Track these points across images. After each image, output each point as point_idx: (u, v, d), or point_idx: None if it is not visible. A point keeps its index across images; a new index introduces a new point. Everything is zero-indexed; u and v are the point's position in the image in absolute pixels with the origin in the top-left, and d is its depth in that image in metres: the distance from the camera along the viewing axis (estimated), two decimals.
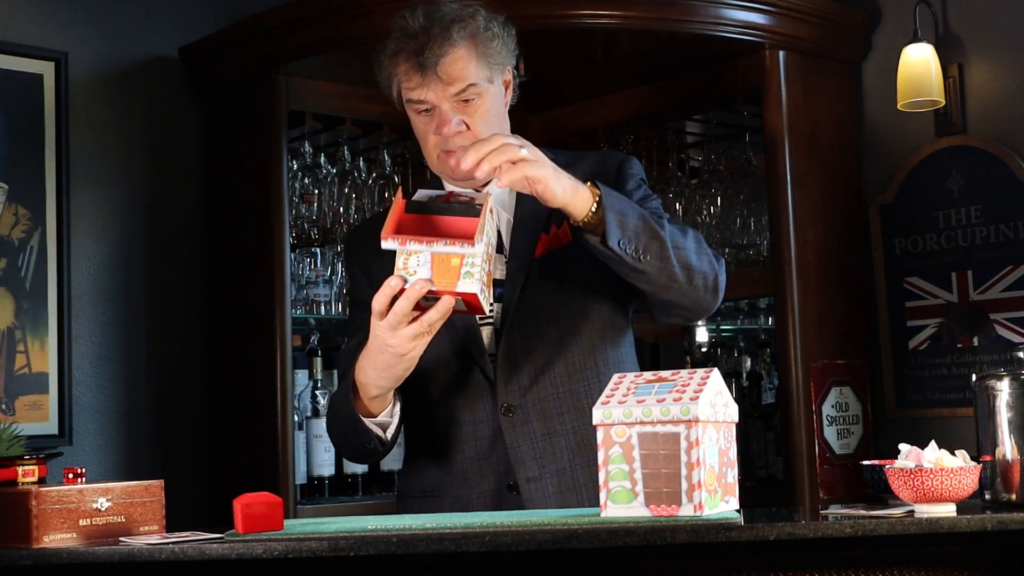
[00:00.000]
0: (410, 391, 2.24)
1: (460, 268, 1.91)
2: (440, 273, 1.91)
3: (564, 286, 2.20)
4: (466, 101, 2.13)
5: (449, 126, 2.13)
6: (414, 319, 1.96)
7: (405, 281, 1.92)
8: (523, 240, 2.20)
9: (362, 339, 2.27)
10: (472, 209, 1.96)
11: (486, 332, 2.20)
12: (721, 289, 2.17)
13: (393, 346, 2.00)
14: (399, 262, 1.93)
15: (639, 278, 2.09)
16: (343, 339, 3.10)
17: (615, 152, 2.35)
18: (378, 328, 1.99)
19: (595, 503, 2.12)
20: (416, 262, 1.92)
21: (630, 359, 2.30)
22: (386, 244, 1.92)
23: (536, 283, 2.19)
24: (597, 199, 2.02)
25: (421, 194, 2.02)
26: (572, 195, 2.01)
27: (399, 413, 2.19)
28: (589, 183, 2.04)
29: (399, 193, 2.00)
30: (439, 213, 1.97)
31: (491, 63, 2.15)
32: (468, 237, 1.91)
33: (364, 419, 2.16)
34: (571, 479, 2.17)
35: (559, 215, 2.15)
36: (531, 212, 2.21)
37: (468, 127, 2.14)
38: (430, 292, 1.92)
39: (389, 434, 2.19)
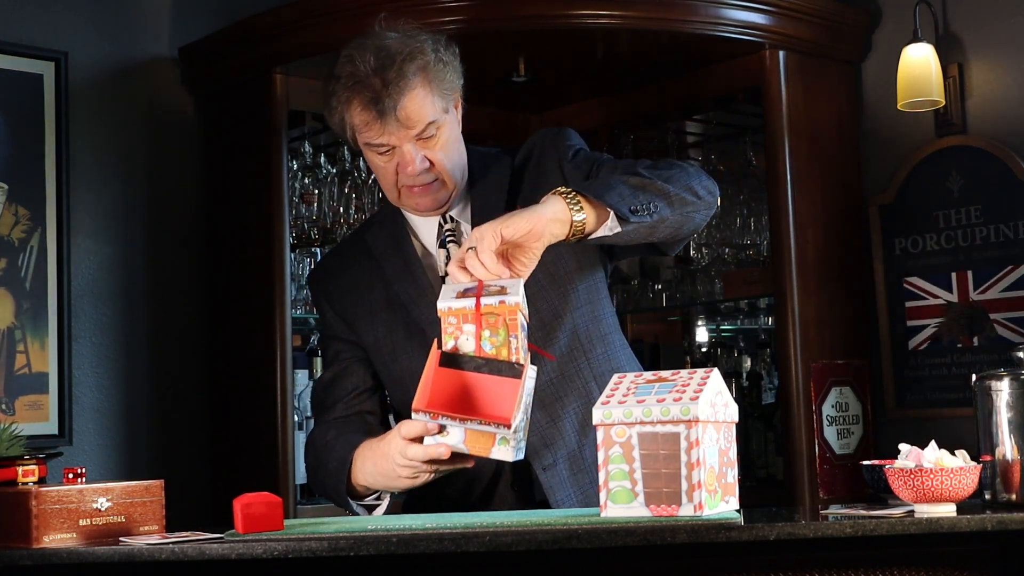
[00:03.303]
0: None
1: (495, 436, 1.86)
2: (474, 440, 1.88)
3: (536, 274, 2.15)
4: (427, 137, 2.12)
5: (413, 166, 2.12)
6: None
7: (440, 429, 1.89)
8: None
9: (337, 373, 2.28)
10: (511, 368, 1.88)
11: None
12: (713, 181, 2.16)
13: (399, 468, 2.00)
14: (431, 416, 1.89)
15: (662, 230, 2.08)
16: None
17: (547, 129, 2.33)
18: (394, 447, 1.99)
19: None
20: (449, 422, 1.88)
21: (614, 329, 2.29)
22: (417, 416, 1.88)
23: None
24: (579, 199, 1.97)
25: (449, 289, 1.93)
26: (547, 213, 1.95)
27: (388, 496, 2.19)
28: (551, 194, 1.99)
29: (435, 346, 1.91)
30: (476, 369, 1.89)
31: (445, 94, 2.14)
32: (504, 415, 1.84)
33: (352, 501, 2.17)
34: (580, 460, 2.18)
35: (514, 205, 2.15)
36: (489, 205, 2.19)
37: (431, 162, 2.14)
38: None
39: (378, 513, 2.20)
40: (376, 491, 2.16)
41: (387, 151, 2.13)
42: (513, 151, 2.31)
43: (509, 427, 1.82)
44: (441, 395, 1.88)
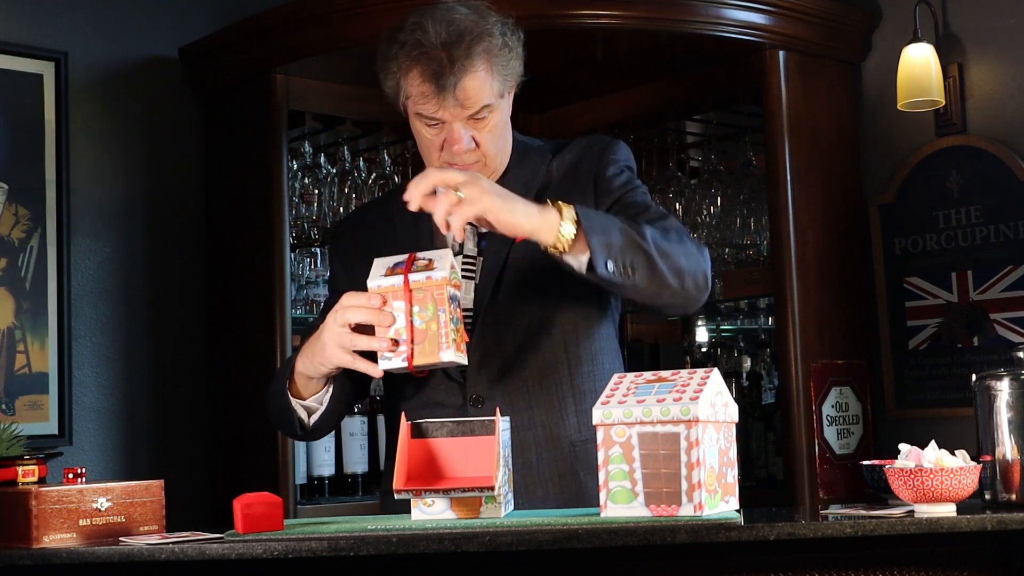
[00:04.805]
0: (388, 389, 2.26)
1: (482, 497, 1.87)
2: (460, 504, 1.88)
3: (538, 280, 2.16)
4: (479, 119, 2.10)
5: (460, 145, 2.10)
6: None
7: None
8: (498, 234, 2.15)
9: None
10: (483, 426, 1.89)
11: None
12: (709, 281, 2.12)
13: (329, 333, 2.00)
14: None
15: (629, 292, 2.05)
16: None
17: (600, 137, 2.31)
18: (332, 319, 1.99)
19: (558, 498, 2.11)
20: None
21: (607, 351, 2.25)
22: (400, 496, 1.87)
23: (511, 277, 2.16)
24: (575, 223, 1.95)
25: (379, 266, 1.97)
26: (537, 221, 1.94)
27: (328, 402, 2.15)
28: (559, 203, 1.97)
29: (403, 419, 1.92)
30: (449, 434, 1.90)
31: (505, 79, 2.11)
32: (486, 477, 1.84)
33: (292, 399, 2.15)
34: (536, 473, 2.14)
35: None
36: None
37: (477, 144, 2.12)
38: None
39: (312, 420, 2.17)
40: (319, 390, 2.14)
41: (436, 125, 2.11)
42: (558, 147, 2.27)
43: (492, 489, 1.82)
44: (418, 469, 1.88)
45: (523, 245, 2.11)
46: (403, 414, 1.94)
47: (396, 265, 1.94)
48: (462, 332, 1.96)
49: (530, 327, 2.17)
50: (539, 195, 2.17)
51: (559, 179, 2.21)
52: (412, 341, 1.91)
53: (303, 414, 2.16)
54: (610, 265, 1.96)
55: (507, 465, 1.94)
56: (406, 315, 1.91)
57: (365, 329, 1.97)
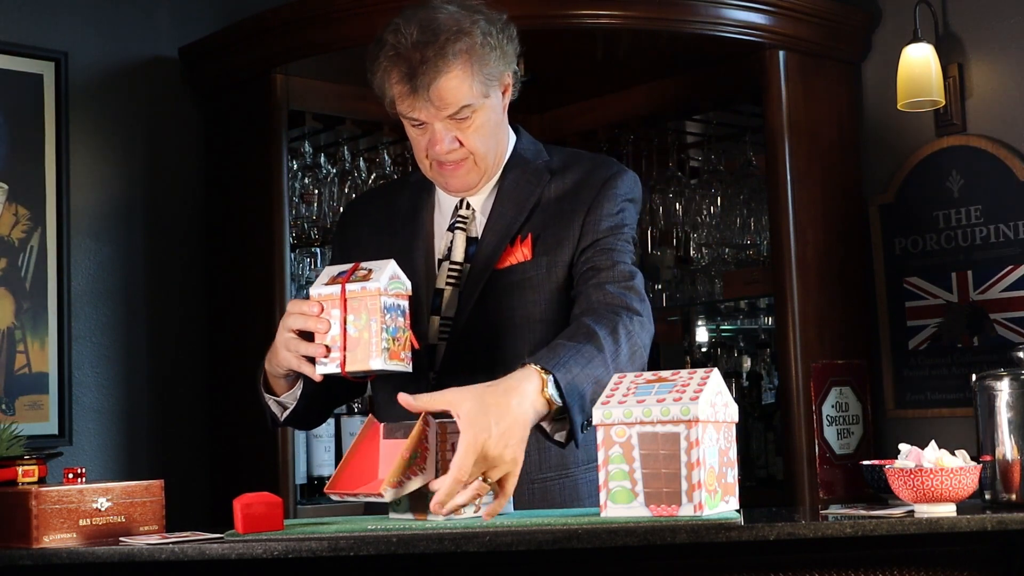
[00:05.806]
0: (374, 389, 2.28)
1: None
2: (419, 509, 1.90)
3: (518, 299, 2.13)
4: (461, 119, 2.08)
5: (442, 145, 2.09)
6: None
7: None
8: (488, 249, 2.15)
9: None
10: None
11: (440, 346, 2.15)
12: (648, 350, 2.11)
13: (278, 337, 2.03)
14: None
15: None
16: None
17: (610, 163, 2.24)
18: (282, 325, 2.02)
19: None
20: None
21: None
22: (334, 496, 1.92)
23: (493, 294, 2.13)
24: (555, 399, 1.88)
25: (325, 274, 2.00)
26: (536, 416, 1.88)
27: (302, 398, 2.16)
28: (539, 380, 1.87)
29: (370, 418, 1.97)
30: (402, 437, 1.92)
31: (487, 79, 2.07)
32: (378, 484, 1.86)
33: (265, 394, 2.18)
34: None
35: (525, 230, 2.14)
36: (504, 223, 2.16)
37: (461, 143, 2.10)
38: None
39: (284, 415, 2.19)
40: (290, 387, 2.15)
41: (420, 125, 2.10)
42: (564, 162, 2.23)
43: (380, 495, 1.83)
44: (353, 471, 1.92)
45: (504, 271, 2.12)
46: (370, 415, 1.97)
47: (339, 274, 1.99)
48: (404, 341, 1.97)
49: (505, 350, 2.13)
50: (531, 214, 2.17)
51: (554, 200, 2.18)
52: (344, 348, 1.95)
53: (276, 409, 2.19)
54: (585, 425, 1.93)
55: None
56: (340, 323, 1.95)
57: (311, 335, 2.00)
